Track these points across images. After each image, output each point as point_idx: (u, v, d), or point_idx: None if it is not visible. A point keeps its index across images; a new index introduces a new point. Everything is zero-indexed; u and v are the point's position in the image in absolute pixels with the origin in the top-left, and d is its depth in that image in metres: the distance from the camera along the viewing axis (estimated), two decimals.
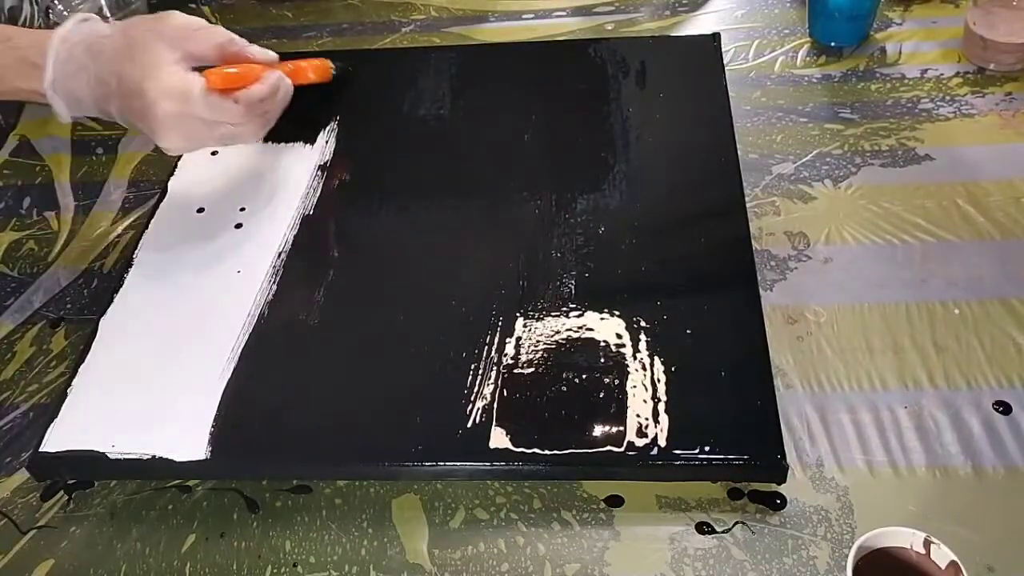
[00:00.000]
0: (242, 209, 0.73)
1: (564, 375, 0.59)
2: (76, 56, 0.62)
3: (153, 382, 0.62)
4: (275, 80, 0.65)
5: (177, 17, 0.64)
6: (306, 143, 0.79)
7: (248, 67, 0.65)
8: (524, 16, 0.97)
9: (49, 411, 0.61)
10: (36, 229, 0.80)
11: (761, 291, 0.63)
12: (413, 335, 0.63)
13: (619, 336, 0.61)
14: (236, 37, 0.66)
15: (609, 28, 0.94)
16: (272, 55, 0.68)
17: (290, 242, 0.70)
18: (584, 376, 0.59)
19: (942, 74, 0.82)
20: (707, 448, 0.54)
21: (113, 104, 0.62)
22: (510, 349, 0.61)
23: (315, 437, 0.58)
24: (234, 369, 0.62)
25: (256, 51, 0.67)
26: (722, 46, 0.84)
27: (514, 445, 0.56)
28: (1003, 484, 0.54)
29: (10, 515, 0.59)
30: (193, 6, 1.05)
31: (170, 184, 0.77)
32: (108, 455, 0.58)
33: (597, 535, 0.54)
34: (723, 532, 0.54)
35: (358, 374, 0.61)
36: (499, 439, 0.56)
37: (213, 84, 0.62)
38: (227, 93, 0.62)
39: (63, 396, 0.62)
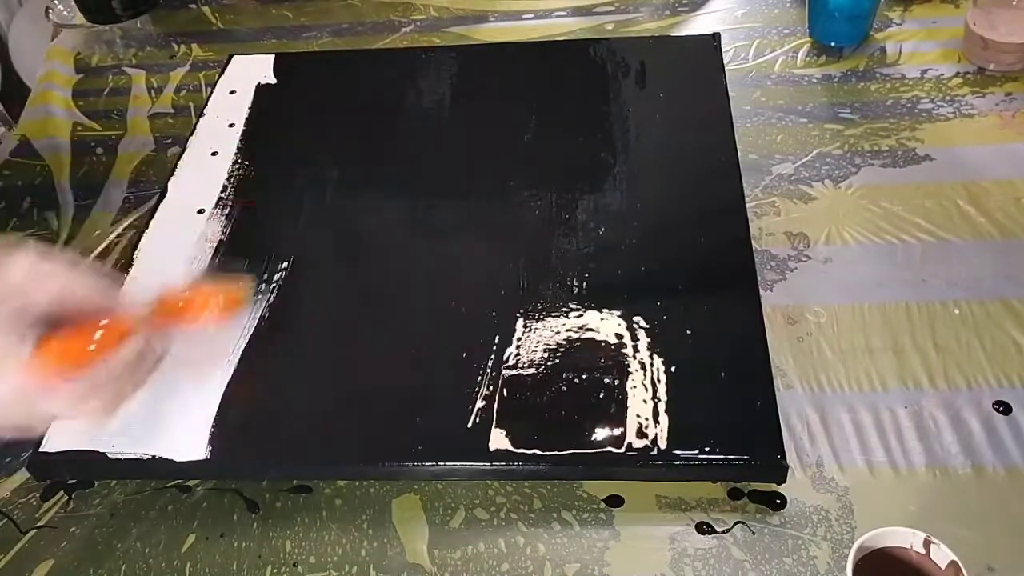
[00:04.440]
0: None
1: (564, 375, 0.59)
2: None
3: (153, 382, 0.62)
4: (132, 354, 0.47)
5: (19, 257, 0.45)
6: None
7: (95, 327, 0.46)
8: (524, 16, 0.97)
9: None
10: (36, 229, 0.80)
11: (761, 291, 0.63)
12: (413, 335, 0.63)
13: (619, 336, 0.61)
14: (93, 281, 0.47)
15: (609, 28, 0.94)
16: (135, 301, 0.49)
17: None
18: (584, 376, 0.59)
19: (942, 74, 0.82)
20: (707, 448, 0.54)
21: None
22: (510, 349, 0.61)
23: (315, 437, 0.58)
24: (235, 369, 0.62)
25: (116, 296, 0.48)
26: (722, 46, 0.84)
27: (514, 445, 0.56)
28: (1003, 484, 0.54)
29: (10, 515, 0.59)
30: (193, 6, 1.05)
31: (170, 184, 0.77)
32: (108, 455, 0.58)
33: (597, 535, 0.54)
34: (723, 532, 0.54)
35: (358, 374, 0.61)
36: (499, 439, 0.56)
37: (41, 354, 0.44)
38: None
39: None
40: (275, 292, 0.66)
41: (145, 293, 0.50)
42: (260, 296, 0.65)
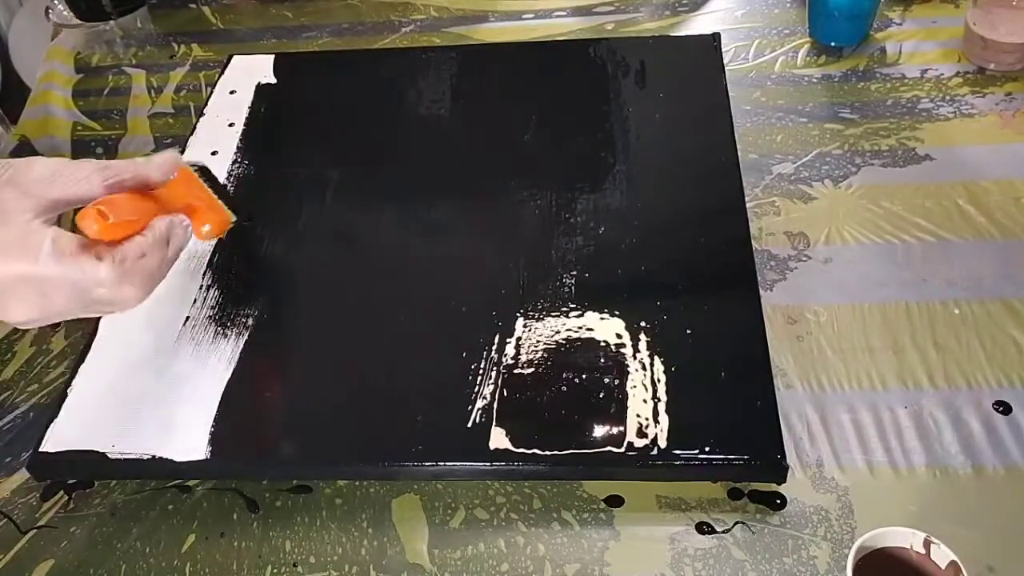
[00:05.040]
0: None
1: (564, 375, 0.59)
2: None
3: (153, 382, 0.62)
4: (164, 229, 0.52)
5: (38, 164, 0.50)
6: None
7: (131, 207, 0.51)
8: (524, 16, 0.97)
9: (49, 411, 0.61)
10: None
11: (761, 291, 0.63)
12: (413, 335, 0.63)
13: (619, 336, 0.61)
14: (112, 163, 0.52)
15: (609, 28, 0.94)
16: (160, 168, 0.53)
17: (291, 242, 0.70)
18: (584, 376, 0.59)
19: (942, 74, 0.82)
20: (707, 448, 0.54)
21: None
22: (510, 349, 0.61)
23: (315, 437, 0.58)
24: (234, 369, 0.62)
25: (149, 171, 0.52)
26: (722, 46, 0.84)
27: (514, 445, 0.56)
28: (1003, 484, 0.54)
29: (10, 515, 0.59)
30: (193, 6, 1.05)
31: None
32: (108, 455, 0.58)
33: (597, 535, 0.54)
34: (723, 532, 0.54)
35: (358, 374, 0.61)
36: (499, 439, 0.56)
37: (76, 241, 0.48)
38: (99, 246, 0.49)
39: (63, 396, 0.62)
40: (275, 291, 0.66)
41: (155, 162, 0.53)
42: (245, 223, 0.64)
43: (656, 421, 0.56)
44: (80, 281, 0.48)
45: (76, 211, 0.50)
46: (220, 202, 0.57)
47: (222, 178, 0.76)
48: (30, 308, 0.48)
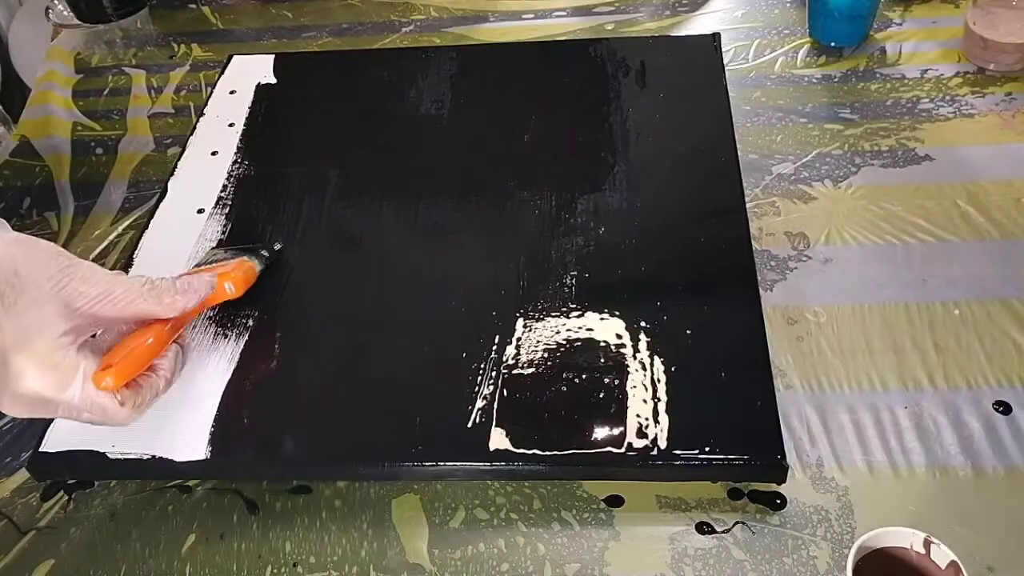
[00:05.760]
0: None
1: (564, 375, 0.59)
2: None
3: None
4: (170, 372, 0.54)
5: (86, 274, 0.49)
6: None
7: (144, 338, 0.53)
8: (524, 16, 0.97)
9: None
10: (36, 229, 0.79)
11: (761, 291, 0.63)
12: (413, 335, 0.63)
13: (619, 336, 0.61)
14: (154, 287, 0.52)
15: (609, 28, 0.94)
16: (196, 294, 0.55)
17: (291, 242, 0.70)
18: (584, 376, 0.59)
19: (942, 74, 0.82)
20: (707, 448, 0.54)
21: None
22: (510, 349, 0.61)
23: (315, 437, 0.58)
24: (234, 369, 0.62)
25: (177, 298, 0.53)
26: (722, 46, 0.84)
27: (514, 446, 0.56)
28: (1003, 484, 0.54)
29: (10, 515, 0.59)
30: (193, 6, 1.05)
31: (170, 184, 0.77)
32: (108, 455, 0.58)
33: (597, 535, 0.54)
34: (723, 532, 0.54)
35: (358, 374, 0.61)
36: (499, 439, 0.56)
37: (101, 379, 0.49)
38: (122, 390, 0.51)
39: None
40: (275, 291, 0.66)
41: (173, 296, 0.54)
42: (268, 258, 0.67)
43: (656, 421, 0.56)
44: (96, 416, 0.50)
45: None
46: (237, 260, 0.63)
47: (222, 178, 0.77)
48: (34, 414, 0.50)
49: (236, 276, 0.62)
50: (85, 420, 0.51)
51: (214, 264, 0.64)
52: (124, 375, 0.50)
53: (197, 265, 0.66)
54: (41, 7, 1.06)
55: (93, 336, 0.52)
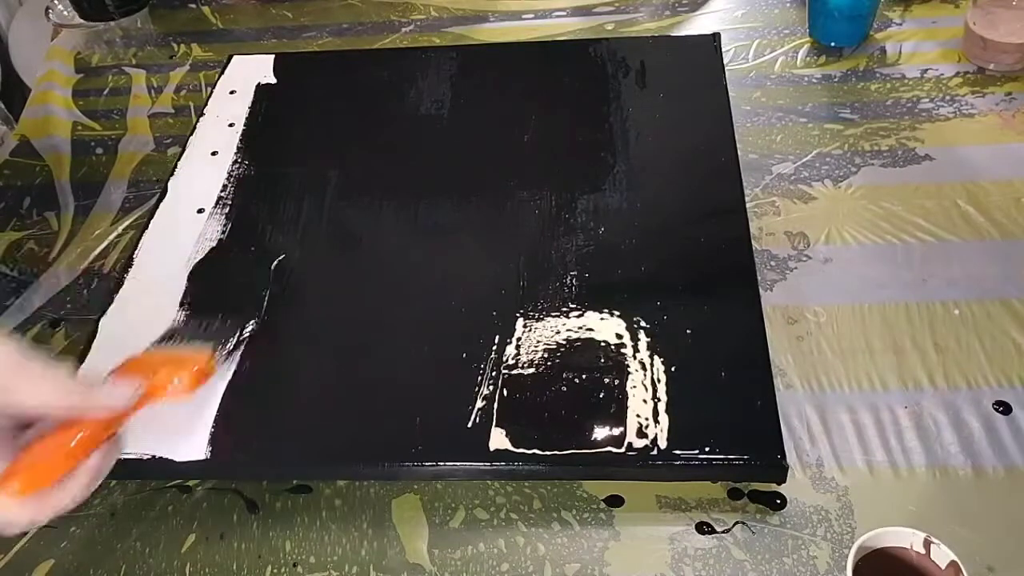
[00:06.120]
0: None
1: (564, 375, 0.59)
2: None
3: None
4: (96, 473, 0.46)
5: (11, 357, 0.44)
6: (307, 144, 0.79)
7: (69, 438, 0.44)
8: (524, 16, 0.97)
9: None
10: (36, 229, 0.80)
11: (761, 291, 0.63)
12: (413, 335, 0.63)
13: (619, 336, 0.61)
14: (79, 389, 0.45)
15: (609, 28, 0.94)
16: (124, 400, 0.47)
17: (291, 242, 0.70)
18: (584, 376, 0.59)
19: (942, 74, 0.82)
20: (707, 448, 0.54)
21: None
22: (510, 349, 0.61)
23: (315, 437, 0.58)
24: (234, 369, 0.61)
25: (103, 406, 0.46)
26: (722, 46, 0.84)
27: (514, 445, 0.56)
28: (1003, 484, 0.54)
29: None
30: (193, 6, 1.05)
31: (170, 184, 0.77)
32: None
33: (597, 535, 0.54)
34: (723, 532, 0.54)
35: (358, 374, 0.61)
36: (499, 439, 0.56)
37: (6, 486, 0.43)
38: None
39: None
40: (275, 291, 0.66)
41: (114, 393, 0.48)
42: (227, 357, 0.61)
43: (656, 421, 0.56)
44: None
45: None
46: (190, 350, 0.54)
47: (222, 178, 0.76)
48: None
49: (186, 371, 0.51)
50: None
51: (163, 353, 0.57)
52: (33, 479, 0.43)
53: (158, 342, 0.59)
54: (41, 7, 1.06)
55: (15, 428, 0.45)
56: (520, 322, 0.62)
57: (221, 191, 0.75)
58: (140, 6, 1.02)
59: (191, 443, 0.58)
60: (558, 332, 0.61)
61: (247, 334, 0.63)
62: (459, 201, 0.72)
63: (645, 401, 0.57)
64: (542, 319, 0.62)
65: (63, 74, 0.98)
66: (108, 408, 0.46)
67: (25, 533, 0.58)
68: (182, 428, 0.58)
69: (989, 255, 0.66)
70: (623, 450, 0.55)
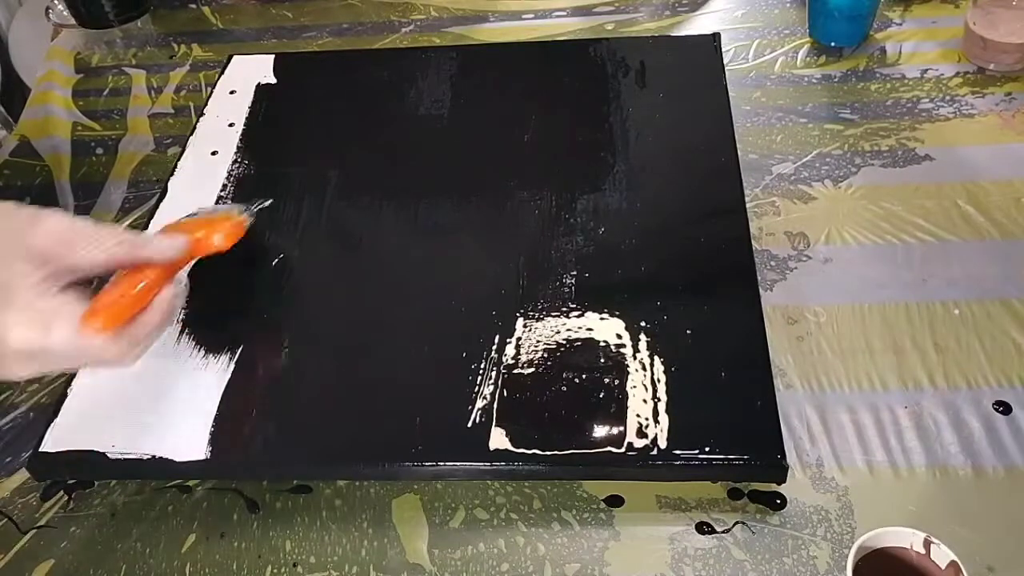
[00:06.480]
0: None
1: (564, 375, 0.59)
2: None
3: (153, 382, 0.62)
4: (168, 304, 0.53)
5: (51, 221, 0.49)
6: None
7: (136, 282, 0.52)
8: (524, 16, 0.97)
9: (49, 411, 0.61)
10: None
11: (761, 291, 0.63)
12: (413, 335, 0.63)
13: (619, 336, 0.61)
14: (130, 237, 0.52)
15: (609, 28, 0.94)
16: (174, 248, 0.55)
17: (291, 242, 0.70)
18: (584, 376, 0.59)
19: (942, 74, 0.82)
20: (707, 448, 0.54)
21: None
22: (510, 349, 0.61)
23: (315, 437, 0.58)
24: (234, 369, 0.62)
25: (155, 250, 0.53)
26: (722, 46, 0.84)
27: (514, 445, 0.56)
28: (1003, 484, 0.54)
29: (10, 515, 0.59)
30: (193, 6, 1.05)
31: (170, 184, 0.77)
32: (108, 455, 0.58)
33: (597, 535, 0.54)
34: (723, 532, 0.54)
35: (358, 374, 0.61)
36: (499, 439, 0.56)
37: (90, 324, 0.48)
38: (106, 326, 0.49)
39: (63, 396, 0.61)
40: (275, 292, 0.66)
41: (163, 244, 0.55)
42: (255, 210, 0.66)
43: (656, 421, 0.56)
44: (91, 356, 0.49)
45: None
46: (223, 213, 0.63)
47: (222, 178, 0.77)
48: (32, 371, 0.49)
49: (224, 228, 0.60)
50: (86, 365, 0.52)
51: (199, 217, 0.63)
52: (112, 315, 0.49)
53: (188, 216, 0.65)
54: (41, 7, 1.06)
55: (90, 284, 0.51)
56: (520, 322, 0.62)
57: (221, 191, 0.75)
58: (140, 13, 1.02)
59: (191, 443, 0.58)
60: (558, 332, 0.61)
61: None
62: (459, 201, 0.72)
63: (645, 401, 0.57)
64: (542, 319, 0.62)
65: (63, 74, 0.98)
66: (162, 255, 0.53)
67: (25, 533, 0.58)
68: (182, 428, 0.58)
69: (989, 255, 0.66)
70: (623, 450, 0.55)
